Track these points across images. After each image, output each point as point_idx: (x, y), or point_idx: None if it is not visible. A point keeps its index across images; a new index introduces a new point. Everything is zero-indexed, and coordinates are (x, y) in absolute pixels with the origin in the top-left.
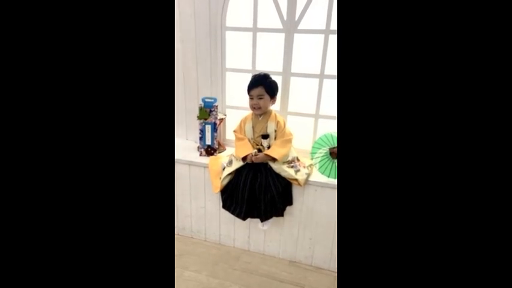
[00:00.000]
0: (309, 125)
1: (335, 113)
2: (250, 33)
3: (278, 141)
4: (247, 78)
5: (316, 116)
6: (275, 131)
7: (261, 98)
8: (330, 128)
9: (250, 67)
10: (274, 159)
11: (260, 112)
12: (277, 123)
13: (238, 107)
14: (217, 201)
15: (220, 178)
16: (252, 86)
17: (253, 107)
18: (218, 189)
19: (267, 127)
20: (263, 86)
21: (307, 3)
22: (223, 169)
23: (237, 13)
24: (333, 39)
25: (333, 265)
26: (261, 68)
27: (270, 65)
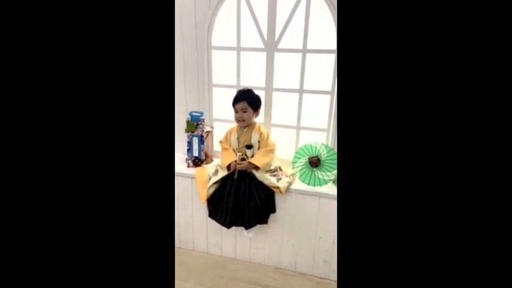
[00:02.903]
0: (291, 136)
1: (314, 125)
2: (235, 52)
3: (261, 150)
4: (233, 93)
5: (298, 127)
6: (258, 141)
7: (244, 112)
8: (310, 138)
9: (235, 83)
10: (257, 168)
11: (244, 124)
12: (261, 134)
13: (225, 120)
14: (205, 211)
15: (207, 187)
16: (236, 101)
17: (237, 120)
18: (205, 199)
19: (251, 138)
20: (246, 100)
21: (285, 25)
22: (209, 179)
23: (222, 33)
24: (310, 57)
25: (316, 270)
26: (245, 83)
27: (254, 80)
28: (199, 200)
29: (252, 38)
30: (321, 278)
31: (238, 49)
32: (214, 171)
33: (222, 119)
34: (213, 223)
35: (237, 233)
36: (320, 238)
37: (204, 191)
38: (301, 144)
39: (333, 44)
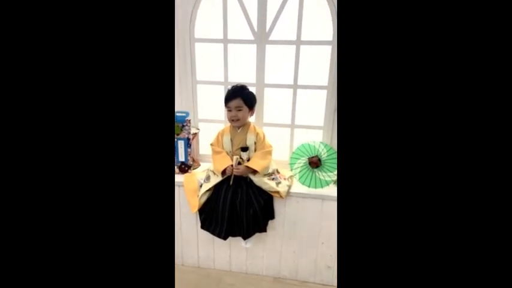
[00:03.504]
0: (285, 136)
1: (310, 123)
2: (221, 45)
3: (258, 153)
4: (220, 90)
5: (292, 126)
6: (255, 143)
7: (239, 110)
8: (306, 137)
9: (222, 79)
10: (254, 172)
11: (239, 124)
12: (257, 135)
13: (212, 120)
14: (194, 221)
15: (198, 196)
16: (229, 98)
17: (231, 119)
18: (196, 209)
19: (246, 139)
20: (241, 97)
21: (276, 14)
22: (201, 186)
23: (207, 24)
24: (304, 49)
25: (319, 277)
26: (234, 79)
27: (243, 76)
28: (190, 210)
29: (240, 28)
30: (323, 284)
31: (225, 41)
32: (205, 177)
33: (208, 119)
34: (203, 234)
35: (231, 243)
36: (323, 243)
37: (195, 200)
38: (296, 143)
39: (329, 35)
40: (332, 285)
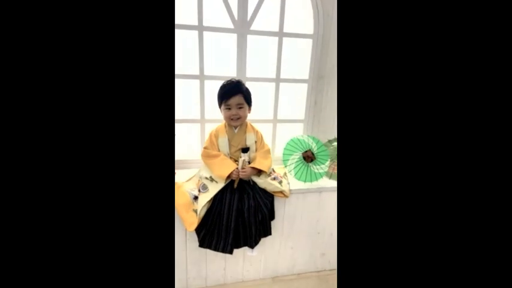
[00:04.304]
0: (266, 131)
1: (293, 117)
2: (195, 32)
3: (260, 153)
4: (195, 85)
5: (274, 121)
6: (255, 142)
7: (240, 108)
8: (290, 132)
9: (197, 71)
10: (258, 173)
11: (239, 123)
12: (257, 133)
13: (186, 120)
14: (182, 238)
15: (196, 211)
16: (229, 95)
17: (231, 118)
18: (195, 225)
19: (245, 139)
20: (242, 93)
21: (259, 2)
22: (195, 198)
23: (177, 7)
24: (287, 42)
25: (314, 266)
26: (210, 72)
27: (222, 69)
28: (186, 228)
29: (217, 15)
30: (318, 271)
31: (200, 28)
32: (200, 187)
33: (182, 119)
34: (193, 252)
35: (226, 254)
36: (319, 233)
37: (192, 216)
38: (279, 139)
39: (309, 28)
40: (325, 270)
